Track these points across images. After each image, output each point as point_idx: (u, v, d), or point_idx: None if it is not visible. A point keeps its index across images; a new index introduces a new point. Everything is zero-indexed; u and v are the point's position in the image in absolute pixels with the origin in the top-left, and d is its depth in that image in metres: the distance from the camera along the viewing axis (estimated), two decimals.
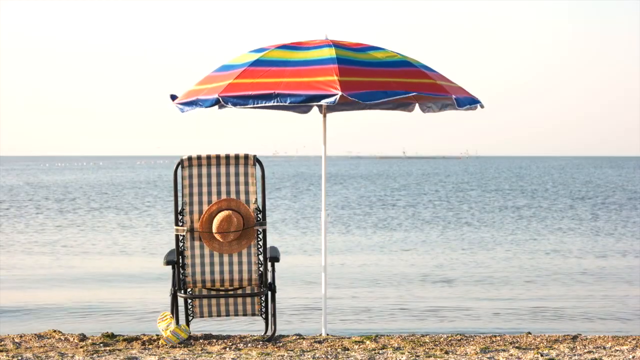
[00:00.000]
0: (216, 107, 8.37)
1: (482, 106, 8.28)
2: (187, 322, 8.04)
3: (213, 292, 7.97)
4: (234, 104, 7.75)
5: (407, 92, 7.82)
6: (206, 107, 7.91)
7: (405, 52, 8.40)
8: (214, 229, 7.79)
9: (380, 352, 7.34)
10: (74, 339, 8.01)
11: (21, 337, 8.10)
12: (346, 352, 7.34)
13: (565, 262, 17.05)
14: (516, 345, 7.76)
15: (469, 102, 8.11)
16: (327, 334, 8.36)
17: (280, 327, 8.43)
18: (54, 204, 35.46)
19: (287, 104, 7.65)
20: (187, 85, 8.36)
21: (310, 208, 33.17)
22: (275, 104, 7.69)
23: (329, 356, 7.15)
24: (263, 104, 7.73)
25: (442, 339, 8.03)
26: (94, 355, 7.23)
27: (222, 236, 7.79)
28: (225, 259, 7.88)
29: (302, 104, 7.82)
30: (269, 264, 7.95)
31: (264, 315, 8.10)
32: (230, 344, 7.71)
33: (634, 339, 8.08)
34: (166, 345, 7.66)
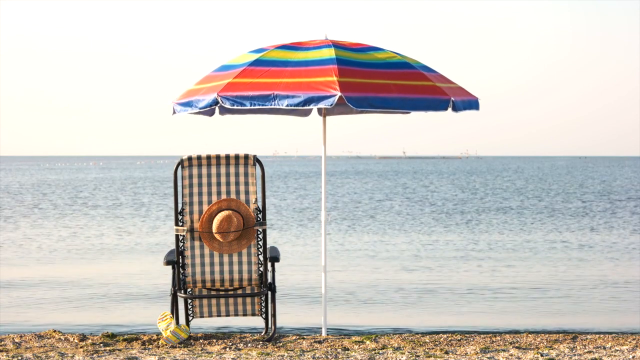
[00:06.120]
0: (209, 112, 8.39)
1: (477, 109, 8.28)
2: (187, 322, 8.04)
3: (213, 292, 7.97)
4: (232, 104, 7.72)
5: (405, 108, 7.88)
6: (201, 108, 7.89)
7: (405, 52, 8.41)
8: (214, 229, 7.79)
9: (380, 352, 7.34)
10: (74, 339, 8.02)
11: (21, 337, 8.11)
12: (346, 352, 7.35)
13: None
14: (516, 345, 7.76)
15: (466, 106, 8.11)
16: (327, 334, 8.37)
17: (280, 326, 8.43)
18: (58, 202, 35.48)
19: (284, 107, 7.61)
20: (186, 86, 8.36)
21: (309, 208, 33.19)
22: (273, 107, 7.66)
23: (329, 356, 7.15)
24: (261, 106, 7.69)
25: (442, 339, 8.03)
26: (94, 355, 7.23)
27: (222, 236, 7.79)
28: (225, 259, 7.88)
29: (300, 107, 7.73)
30: (269, 264, 7.96)
31: (264, 315, 8.11)
32: (230, 344, 7.72)
33: (634, 339, 8.09)
34: (166, 345, 7.66)
